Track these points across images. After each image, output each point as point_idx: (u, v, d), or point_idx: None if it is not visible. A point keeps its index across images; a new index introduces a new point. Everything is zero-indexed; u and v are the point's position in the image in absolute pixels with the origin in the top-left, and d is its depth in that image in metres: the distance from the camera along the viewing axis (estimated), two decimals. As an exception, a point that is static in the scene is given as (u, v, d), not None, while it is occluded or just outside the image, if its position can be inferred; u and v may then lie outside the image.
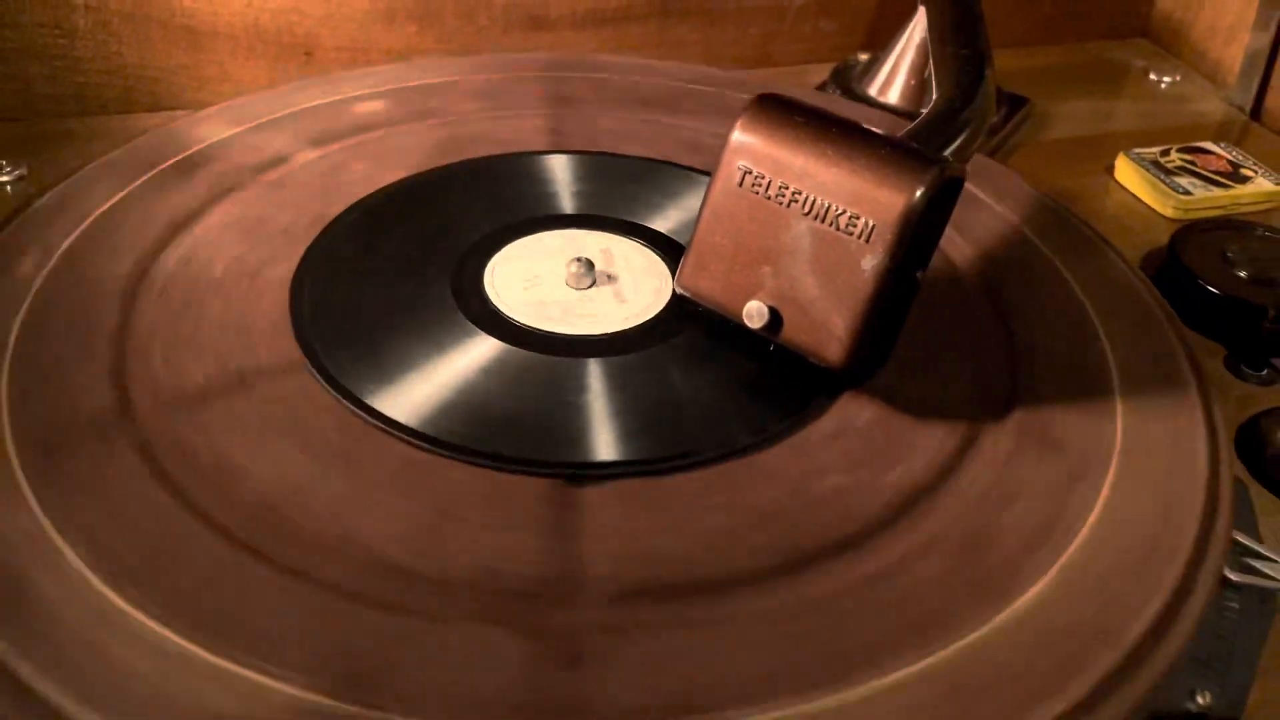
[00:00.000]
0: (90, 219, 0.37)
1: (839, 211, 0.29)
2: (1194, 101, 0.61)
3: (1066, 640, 0.26)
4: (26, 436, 0.28)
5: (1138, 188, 0.51)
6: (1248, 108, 0.59)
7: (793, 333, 0.31)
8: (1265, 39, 0.58)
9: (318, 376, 0.32)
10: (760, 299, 0.31)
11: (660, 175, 0.43)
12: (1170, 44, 0.65)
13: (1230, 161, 0.52)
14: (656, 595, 0.26)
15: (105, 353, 0.32)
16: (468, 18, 0.54)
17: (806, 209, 0.30)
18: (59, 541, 0.26)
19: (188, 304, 0.34)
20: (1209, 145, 0.53)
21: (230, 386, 0.31)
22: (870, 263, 0.29)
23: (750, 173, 0.31)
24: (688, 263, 0.32)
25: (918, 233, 0.29)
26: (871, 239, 0.29)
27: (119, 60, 0.50)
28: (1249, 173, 0.51)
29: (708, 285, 0.32)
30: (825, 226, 0.30)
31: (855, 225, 0.29)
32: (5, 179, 0.46)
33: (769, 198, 0.30)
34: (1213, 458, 0.32)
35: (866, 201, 0.29)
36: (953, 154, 0.34)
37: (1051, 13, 0.65)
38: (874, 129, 0.31)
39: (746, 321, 0.31)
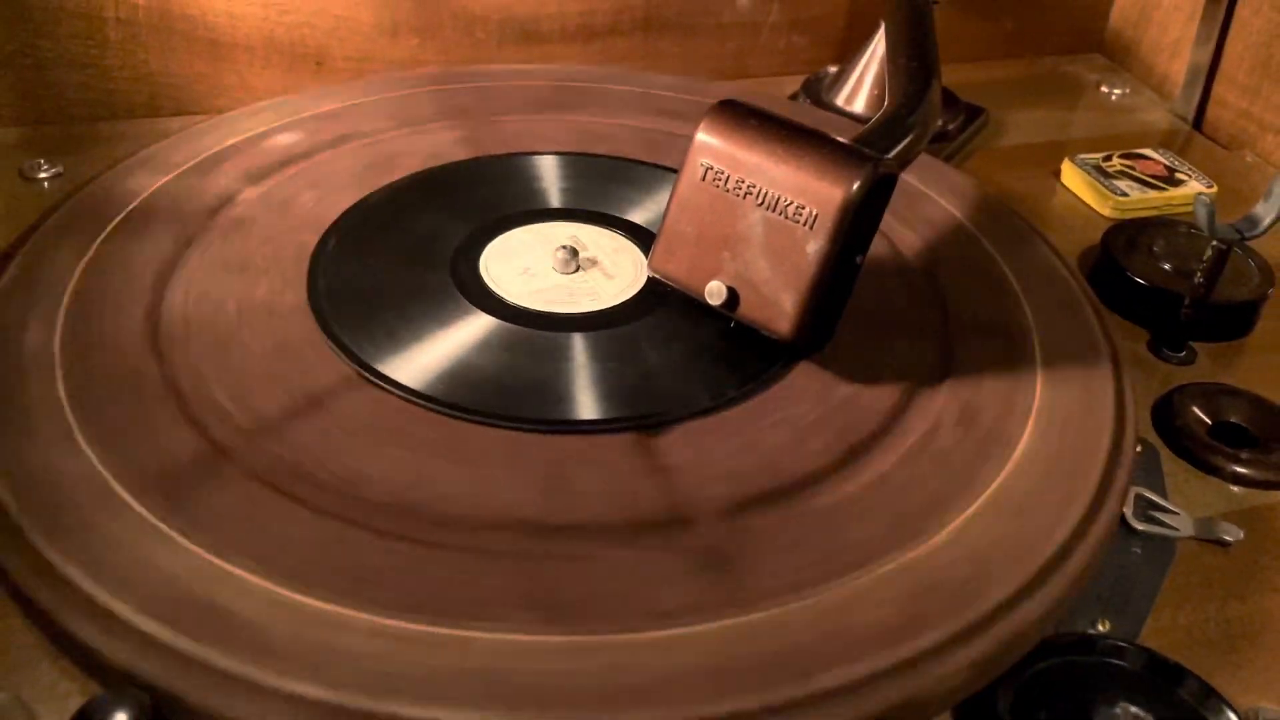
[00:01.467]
0: (76, 275, 0.38)
1: (788, 202, 0.34)
2: (1141, 112, 0.65)
3: (1003, 546, 0.31)
4: (141, 487, 0.30)
5: (1081, 190, 0.55)
6: (1190, 118, 0.64)
7: (748, 309, 0.35)
8: (1205, 56, 0.62)
9: (384, 385, 0.35)
10: (720, 280, 0.35)
11: (622, 169, 0.47)
12: (1121, 59, 0.70)
13: (1166, 166, 0.56)
14: (749, 503, 0.31)
15: (168, 402, 0.33)
16: (465, 32, 0.59)
17: (760, 200, 0.34)
18: (230, 568, 0.28)
19: (221, 344, 0.36)
20: (1148, 152, 0.57)
21: (304, 407, 0.34)
22: (814, 247, 0.33)
23: (711, 169, 0.35)
24: (658, 249, 0.37)
25: (856, 221, 0.34)
26: (815, 226, 0.33)
27: (145, 69, 0.54)
28: (1183, 177, 0.55)
29: (675, 268, 0.36)
30: (776, 215, 0.34)
31: (801, 214, 0.34)
32: (43, 176, 0.50)
33: (728, 190, 0.35)
34: (1119, 419, 0.36)
35: (811, 193, 0.33)
36: (899, 154, 0.38)
37: (1012, 29, 0.70)
38: (819, 130, 0.35)
39: (708, 299, 0.36)
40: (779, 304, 0.34)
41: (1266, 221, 0.42)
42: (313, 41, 0.56)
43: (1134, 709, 0.29)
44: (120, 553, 0.28)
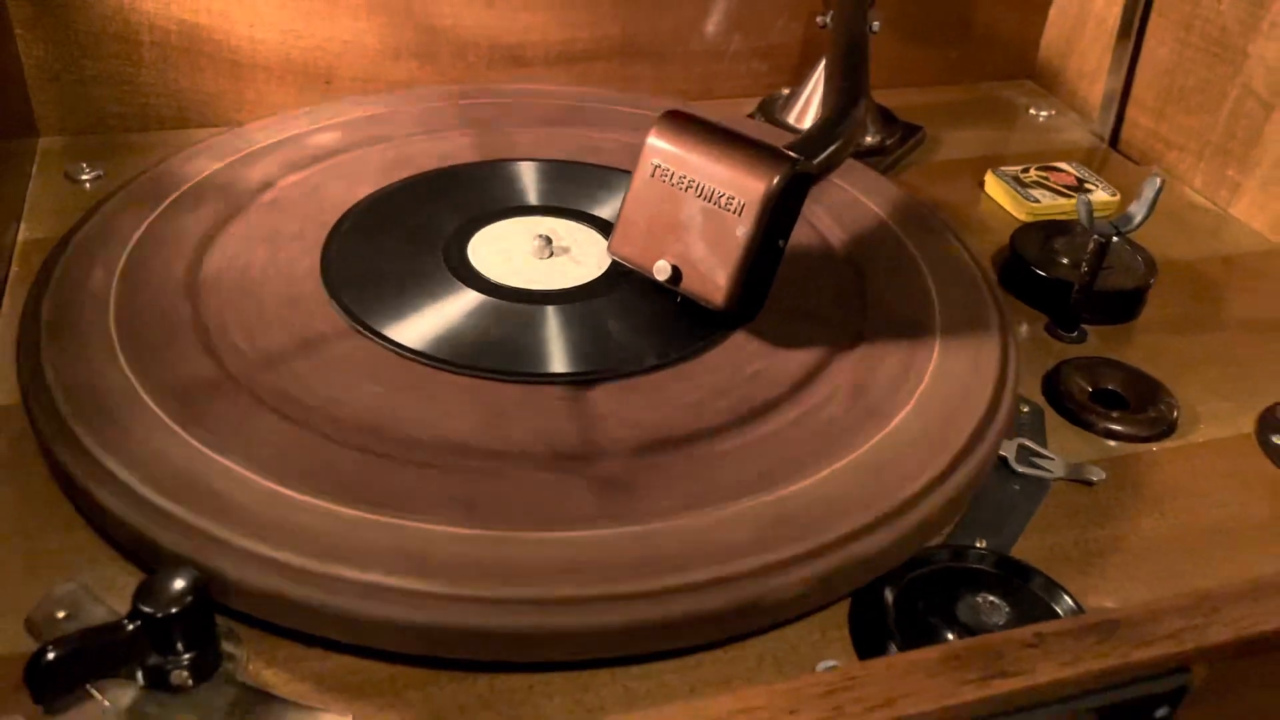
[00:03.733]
0: (137, 236, 0.47)
1: (721, 194, 0.41)
2: (1065, 132, 0.73)
3: (890, 473, 0.38)
4: (164, 399, 0.37)
5: (1000, 197, 0.63)
6: (1106, 137, 0.71)
7: (689, 283, 0.42)
8: (1118, 82, 0.70)
9: (371, 335, 0.42)
10: (666, 259, 0.42)
11: (585, 173, 0.54)
12: (1050, 85, 0.78)
13: (1077, 177, 0.64)
14: (653, 446, 0.38)
15: (194, 336, 0.41)
16: (459, 56, 0.66)
17: (699, 193, 0.41)
18: (227, 463, 0.35)
19: (244, 295, 0.44)
20: (1061, 165, 0.65)
21: (301, 348, 0.41)
22: (742, 231, 0.41)
23: (660, 167, 0.42)
24: (615, 235, 0.44)
25: (776, 210, 0.41)
26: (743, 214, 0.40)
27: (175, 85, 0.61)
28: (1091, 186, 0.63)
29: (629, 250, 0.43)
30: (711, 205, 0.41)
31: (732, 204, 0.41)
32: (85, 178, 0.57)
33: (673, 185, 0.42)
34: (1000, 379, 0.43)
35: (739, 187, 0.41)
36: (825, 159, 0.45)
37: (952, 57, 0.77)
38: (749, 135, 0.42)
39: (656, 276, 0.42)
40: (714, 279, 0.41)
41: (1138, 218, 0.49)
42: (323, 63, 0.63)
43: (991, 598, 0.35)
44: (144, 448, 0.35)
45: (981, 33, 0.77)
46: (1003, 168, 0.64)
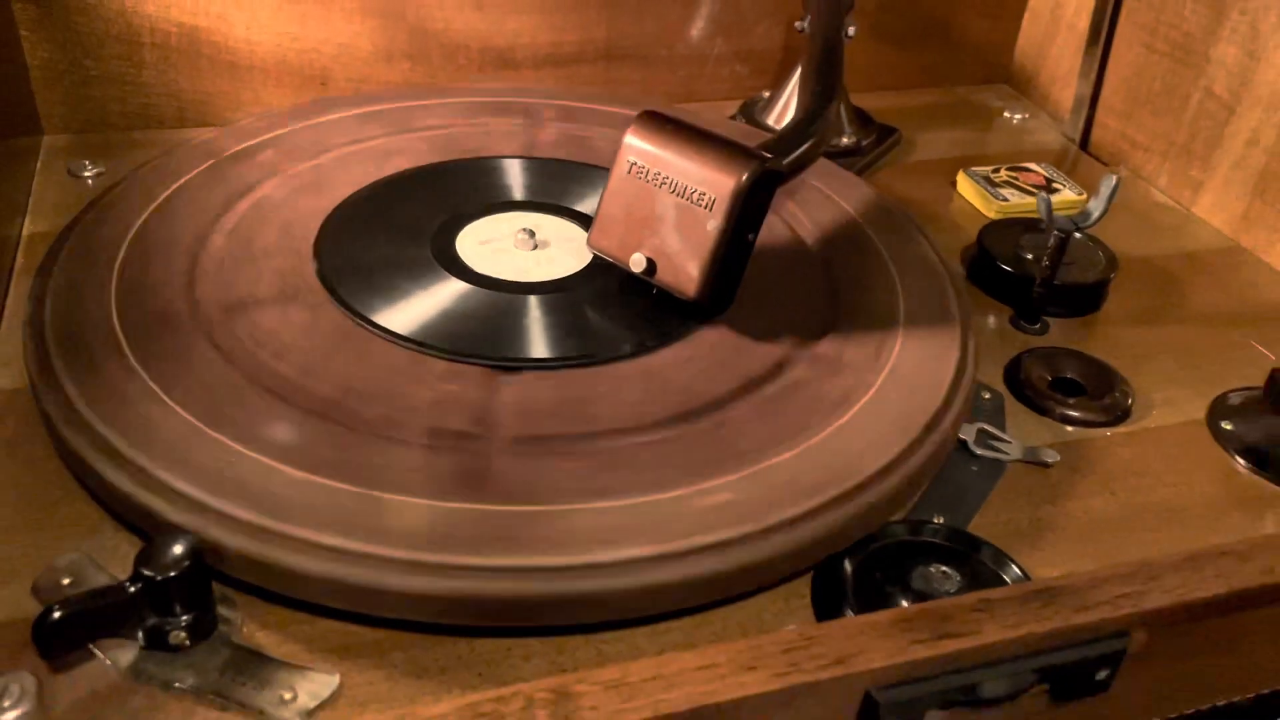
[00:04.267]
0: (180, 182, 0.51)
1: (693, 190, 0.43)
2: (1037, 134, 0.75)
3: (852, 454, 0.40)
4: (160, 373, 0.40)
5: (971, 196, 0.65)
6: (1077, 139, 0.74)
7: (663, 275, 0.44)
8: (1088, 87, 0.72)
9: (360, 320, 0.44)
10: (641, 252, 0.44)
11: (568, 170, 0.57)
12: (1024, 89, 0.80)
13: (1046, 177, 0.66)
14: (632, 429, 0.40)
15: (189, 323, 0.44)
16: (449, 58, 0.68)
17: (673, 189, 0.44)
18: (212, 433, 0.38)
19: (239, 283, 0.46)
20: (1031, 165, 0.67)
21: (286, 324, 0.44)
22: (713, 225, 0.43)
23: (636, 164, 0.44)
24: (594, 229, 0.46)
25: (745, 205, 0.43)
26: (714, 209, 0.43)
27: (175, 86, 0.64)
28: (1058, 186, 0.65)
29: (607, 244, 0.46)
30: (684, 200, 0.43)
31: (703, 199, 0.43)
32: (88, 174, 0.59)
33: (648, 181, 0.44)
34: (959, 367, 0.45)
35: (711, 183, 0.43)
36: (796, 158, 0.48)
37: (929, 62, 0.79)
38: (720, 134, 0.44)
39: (632, 268, 0.45)
40: (687, 270, 0.44)
41: (1096, 214, 0.51)
42: (319, 64, 0.65)
43: (944, 568, 0.38)
44: (144, 424, 0.38)
45: (958, 38, 0.79)
46: (974, 168, 0.66)
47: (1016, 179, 0.65)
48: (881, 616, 0.33)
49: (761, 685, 0.31)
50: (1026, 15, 0.79)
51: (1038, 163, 0.67)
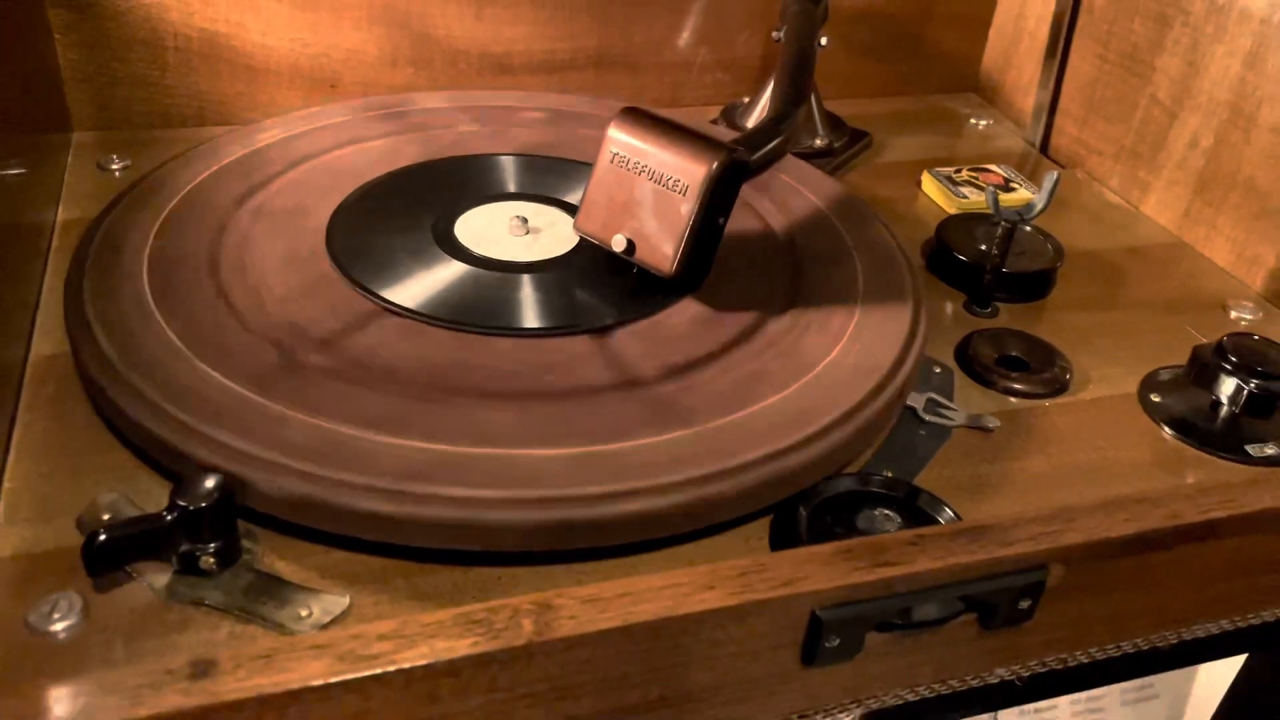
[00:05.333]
0: (206, 173, 0.56)
1: (669, 177, 0.48)
2: (1001, 139, 0.80)
3: (807, 410, 0.44)
4: (187, 332, 0.45)
5: (934, 194, 0.70)
6: (1038, 144, 0.79)
7: (642, 254, 0.49)
8: (1047, 95, 0.77)
9: (361, 289, 0.49)
10: (622, 234, 0.49)
11: (557, 165, 0.61)
12: (990, 97, 0.85)
13: (1005, 178, 0.71)
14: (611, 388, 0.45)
15: (212, 294, 0.49)
16: (451, 64, 0.73)
17: (650, 176, 0.48)
18: (231, 384, 0.42)
19: (258, 261, 0.51)
20: (992, 166, 0.72)
21: (297, 294, 0.49)
22: (686, 208, 0.47)
23: (618, 154, 0.49)
24: (580, 214, 0.51)
25: (715, 191, 0.48)
26: (687, 194, 0.47)
27: (196, 87, 0.68)
28: (1015, 185, 0.70)
29: (591, 227, 0.50)
30: (661, 187, 0.48)
31: (678, 185, 0.48)
32: (115, 168, 0.64)
33: (628, 170, 0.49)
34: (908, 341, 0.50)
35: (684, 170, 0.47)
36: (765, 153, 0.53)
37: (902, 71, 0.85)
38: (693, 128, 0.49)
39: (614, 248, 0.49)
40: (663, 250, 0.48)
41: (1039, 207, 0.56)
42: (329, 68, 0.70)
43: (887, 512, 0.42)
44: (174, 378, 0.43)
45: (929, 49, 0.84)
46: (938, 168, 0.71)
47: (977, 179, 0.70)
48: (826, 548, 0.38)
49: (719, 601, 0.36)
50: (992, 28, 0.84)
51: (998, 164, 0.72)
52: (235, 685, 0.31)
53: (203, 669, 0.31)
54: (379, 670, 0.32)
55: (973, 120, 0.82)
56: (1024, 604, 0.40)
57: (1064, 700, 0.59)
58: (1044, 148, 0.78)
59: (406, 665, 0.32)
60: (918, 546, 0.38)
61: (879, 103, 0.83)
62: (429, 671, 0.33)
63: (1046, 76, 0.77)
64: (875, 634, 0.39)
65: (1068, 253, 0.62)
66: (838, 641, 0.38)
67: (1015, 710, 0.57)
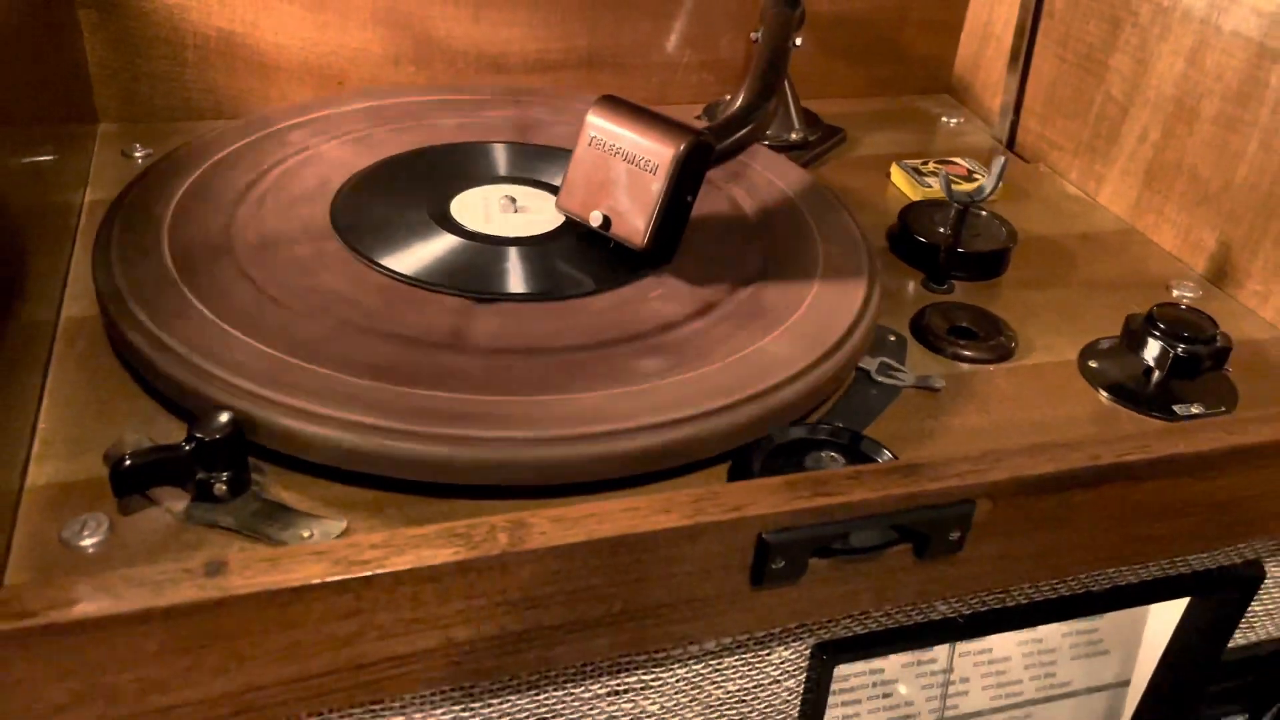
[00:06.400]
0: (222, 154, 0.61)
1: (642, 158, 0.53)
2: (970, 136, 0.85)
3: (766, 367, 0.49)
4: (202, 289, 0.50)
5: (901, 184, 0.74)
6: (1004, 140, 0.83)
7: (617, 229, 0.54)
8: (1012, 95, 0.82)
9: (351, 250, 0.54)
10: (599, 210, 0.54)
11: (543, 152, 0.66)
12: (962, 97, 0.90)
13: (968, 169, 0.75)
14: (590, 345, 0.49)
15: (227, 258, 0.54)
16: (450, 63, 0.78)
17: (624, 158, 0.53)
18: (239, 334, 0.47)
19: (267, 231, 0.56)
20: (956, 159, 0.77)
21: (305, 257, 0.54)
22: (656, 186, 0.52)
23: (596, 138, 0.54)
24: (561, 193, 0.56)
25: (683, 171, 0.52)
26: (657, 173, 0.52)
27: (213, 83, 0.74)
28: (978, 176, 0.74)
29: (572, 205, 0.55)
30: (634, 167, 0.53)
31: (649, 165, 0.52)
32: (138, 155, 0.69)
33: (605, 152, 0.54)
34: (861, 310, 0.54)
35: (655, 152, 0.52)
36: (735, 141, 0.57)
37: (878, 73, 0.89)
38: (665, 115, 0.54)
39: (591, 223, 0.54)
40: (635, 224, 0.53)
41: (988, 189, 0.60)
42: (336, 66, 0.75)
43: (833, 455, 0.47)
44: (190, 328, 0.47)
45: (905, 53, 0.89)
46: (906, 160, 0.75)
47: (943, 170, 0.75)
48: (773, 480, 0.42)
49: (674, 522, 0.40)
50: (963, 33, 0.89)
51: (963, 158, 0.77)
52: (243, 582, 0.36)
53: (215, 568, 0.36)
54: (369, 573, 0.36)
55: (944, 119, 0.87)
56: (954, 535, 0.44)
57: (1017, 653, 0.63)
58: (1010, 144, 0.83)
59: (393, 570, 0.37)
60: (855, 480, 0.43)
61: (856, 103, 0.88)
62: (414, 576, 0.37)
63: (1012, 77, 0.81)
64: (818, 560, 0.43)
65: (1026, 240, 0.66)
66: (783, 564, 0.42)
67: (969, 662, 0.62)
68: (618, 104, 0.54)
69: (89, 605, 0.34)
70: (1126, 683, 0.64)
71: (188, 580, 0.35)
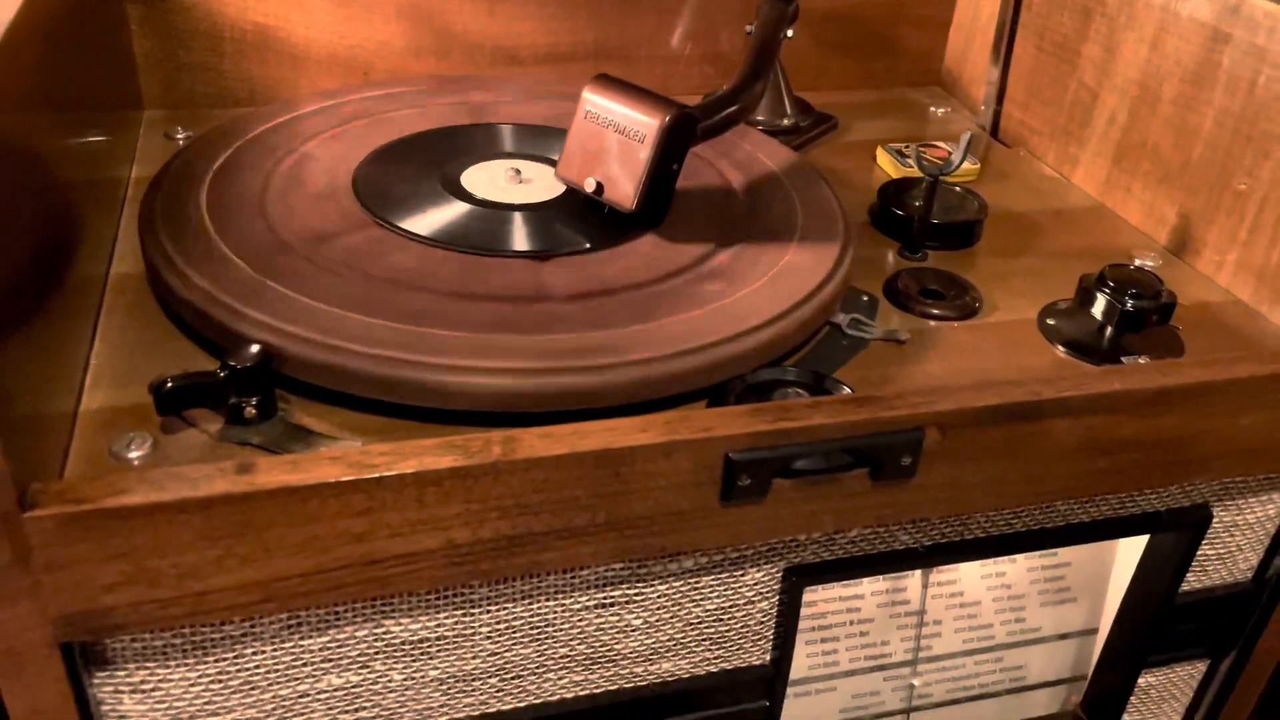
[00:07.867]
0: (254, 133, 0.67)
1: (632, 130, 0.58)
2: (956, 124, 0.89)
3: (742, 314, 0.54)
4: (236, 242, 0.56)
5: (886, 166, 0.79)
6: (988, 128, 0.88)
7: (609, 194, 0.59)
8: (993, 88, 0.87)
9: (387, 226, 0.60)
10: (593, 177, 0.59)
11: (547, 132, 0.72)
12: (951, 89, 0.95)
13: (948, 151, 0.80)
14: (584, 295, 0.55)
15: (259, 205, 0.60)
16: (467, 55, 0.84)
17: (616, 129, 0.59)
18: (270, 283, 0.53)
19: (297, 198, 0.62)
20: (938, 143, 0.81)
21: (331, 233, 0.60)
22: (643, 153, 0.58)
23: (591, 111, 0.59)
24: (560, 163, 0.61)
25: (668, 140, 0.58)
26: (644, 142, 0.58)
27: (249, 73, 0.80)
28: (956, 159, 0.79)
29: (569, 173, 0.61)
30: (624, 137, 0.58)
31: (637, 134, 0.58)
32: (180, 137, 0.76)
33: (599, 124, 0.59)
34: (834, 268, 0.59)
35: (643, 123, 0.58)
36: (721, 118, 0.63)
37: (872, 67, 0.94)
38: (654, 92, 0.59)
39: (586, 189, 0.60)
40: (625, 189, 0.58)
41: (956, 162, 0.65)
42: (362, 57, 0.81)
43: (798, 391, 0.52)
44: (225, 273, 0.53)
45: (896, 46, 0.94)
46: (891, 144, 0.80)
47: (924, 154, 0.79)
48: (740, 407, 0.47)
49: (649, 439, 0.45)
50: (952, 28, 0.94)
51: (943, 140, 0.82)
52: (268, 479, 0.41)
53: (245, 467, 0.42)
54: (378, 475, 0.42)
55: (934, 109, 0.91)
56: (906, 460, 0.49)
57: (987, 596, 0.67)
58: (995, 131, 0.88)
59: (399, 472, 0.42)
60: (814, 408, 0.47)
61: (849, 94, 0.93)
62: (417, 479, 0.42)
63: (994, 68, 0.86)
64: (782, 480, 0.48)
65: (1002, 216, 0.71)
66: (749, 481, 0.47)
67: (942, 604, 0.66)
68: (612, 81, 0.60)
69: (135, 495, 0.40)
70: (1094, 631, 0.68)
71: (221, 476, 0.41)
